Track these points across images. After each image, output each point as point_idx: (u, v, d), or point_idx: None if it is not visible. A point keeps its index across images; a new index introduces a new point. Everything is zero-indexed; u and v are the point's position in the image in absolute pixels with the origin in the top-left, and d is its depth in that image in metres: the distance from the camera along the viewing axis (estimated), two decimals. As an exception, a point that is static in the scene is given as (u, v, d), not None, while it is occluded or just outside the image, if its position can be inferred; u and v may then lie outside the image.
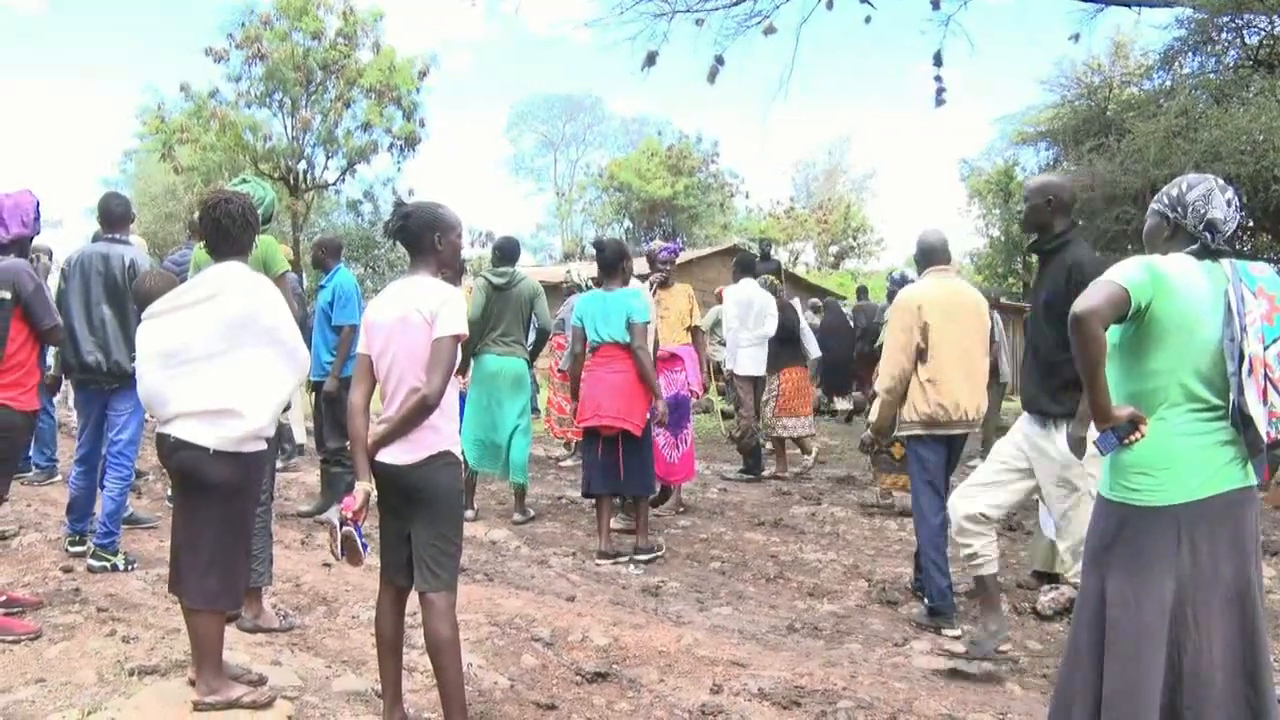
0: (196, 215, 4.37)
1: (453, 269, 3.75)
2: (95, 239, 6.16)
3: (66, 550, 6.04)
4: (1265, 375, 2.88)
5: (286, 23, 25.68)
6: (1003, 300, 16.24)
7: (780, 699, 4.23)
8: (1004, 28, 67.32)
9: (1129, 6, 13.87)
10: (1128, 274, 2.91)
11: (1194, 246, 3.05)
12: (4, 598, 4.89)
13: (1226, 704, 2.87)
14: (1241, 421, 2.90)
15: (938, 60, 13.76)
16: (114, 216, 6.05)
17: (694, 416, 8.34)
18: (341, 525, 3.50)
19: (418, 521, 3.49)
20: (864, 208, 41.59)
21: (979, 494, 4.83)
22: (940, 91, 13.98)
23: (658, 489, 7.53)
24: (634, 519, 7.03)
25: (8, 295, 4.73)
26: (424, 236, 3.61)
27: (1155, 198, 3.21)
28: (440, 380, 3.40)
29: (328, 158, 28.09)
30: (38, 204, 5.01)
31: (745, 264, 10.36)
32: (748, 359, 9.88)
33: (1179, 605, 2.90)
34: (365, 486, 3.49)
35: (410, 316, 3.46)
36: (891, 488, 8.47)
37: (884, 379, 5.53)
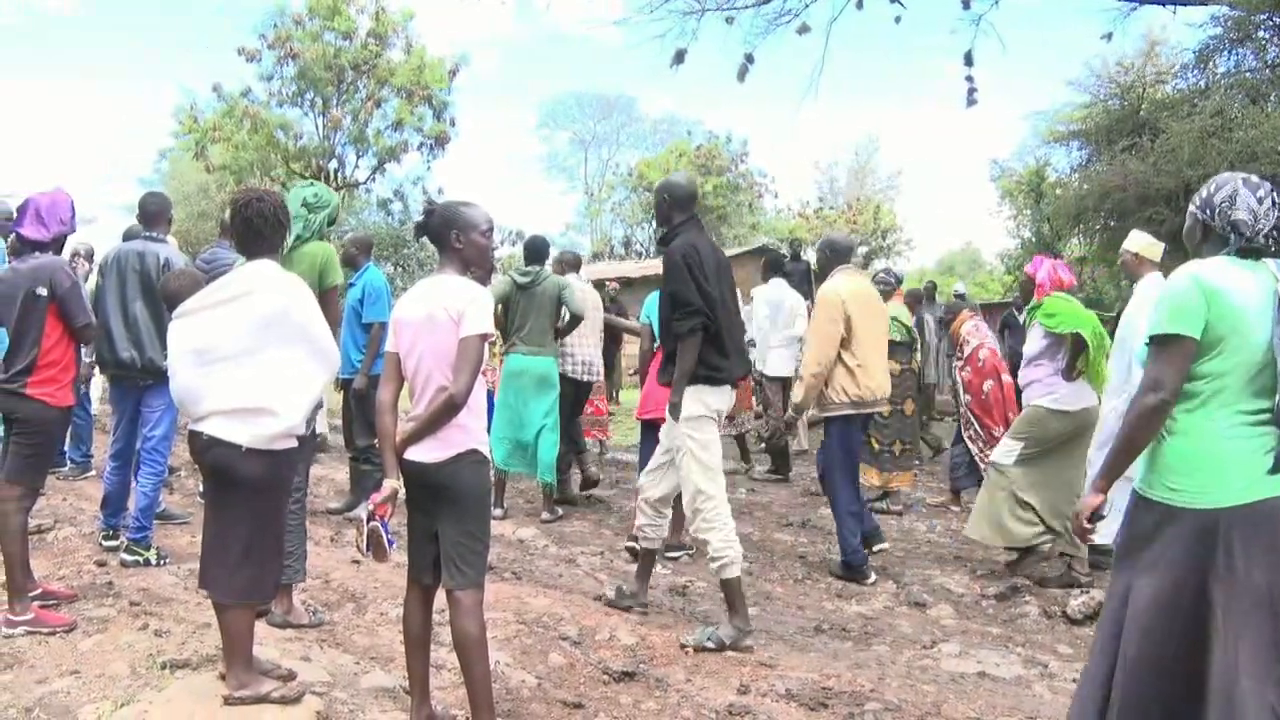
0: (228, 214, 4.40)
1: (481, 268, 3.75)
2: (128, 237, 6.21)
3: (100, 544, 6.11)
4: None
5: (318, 23, 25.84)
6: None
7: (807, 700, 4.22)
8: (1035, 27, 66.88)
9: (1164, 5, 13.72)
10: (1182, 313, 2.90)
11: (1230, 248, 3.00)
12: (40, 591, 4.94)
13: (1253, 712, 2.81)
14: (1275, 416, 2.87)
15: (969, 60, 13.66)
16: (151, 215, 6.12)
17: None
18: (368, 521, 3.52)
19: (445, 519, 3.50)
20: (893, 207, 41.38)
21: (659, 479, 5.36)
22: (971, 91, 13.87)
23: None
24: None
25: (44, 292, 4.79)
26: (445, 235, 3.62)
27: (1193, 199, 3.18)
28: (467, 379, 3.41)
29: (358, 157, 28.27)
30: (72, 203, 5.07)
31: (775, 264, 10.35)
32: (777, 360, 9.87)
33: (1209, 609, 2.86)
34: (393, 484, 3.51)
35: (436, 315, 3.47)
36: (884, 484, 8.50)
37: (812, 365, 6.18)
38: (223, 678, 3.80)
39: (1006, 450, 6.44)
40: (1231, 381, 2.91)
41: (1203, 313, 2.89)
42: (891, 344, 8.43)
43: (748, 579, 6.34)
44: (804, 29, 13.15)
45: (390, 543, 3.55)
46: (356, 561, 6.10)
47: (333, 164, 27.63)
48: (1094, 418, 6.25)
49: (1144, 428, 2.96)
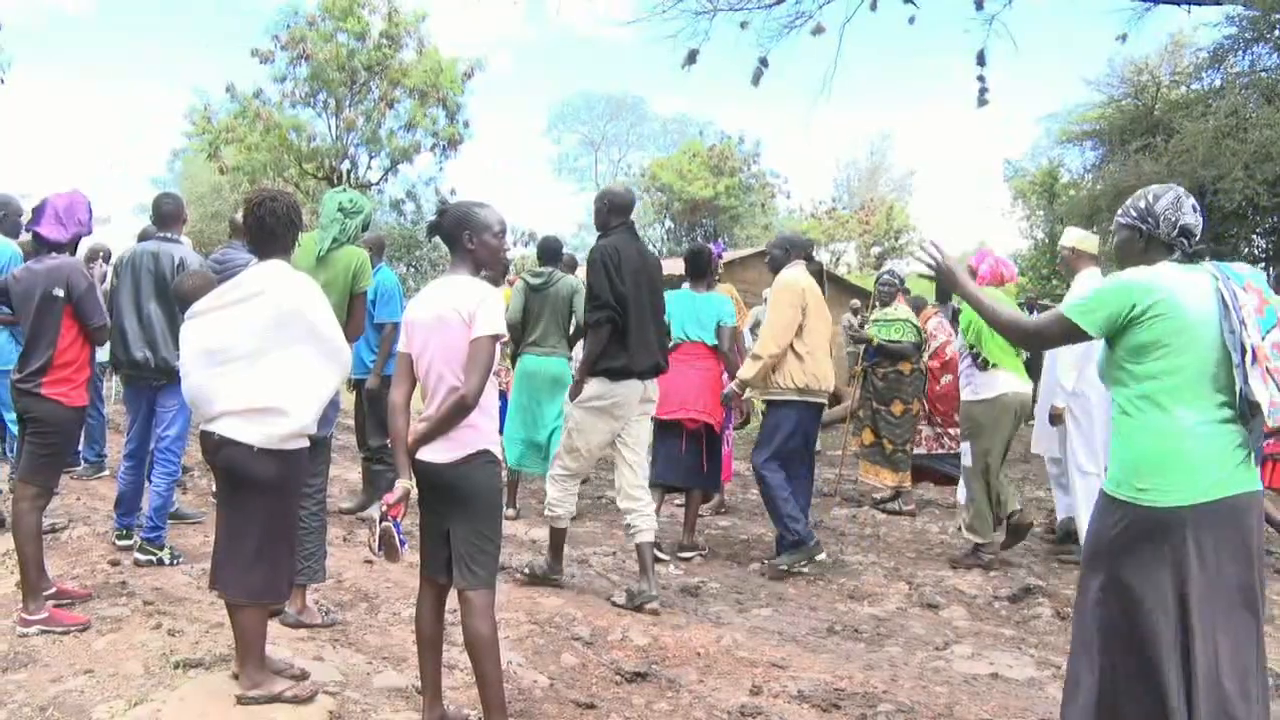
0: (240, 214, 4.41)
1: (493, 269, 3.76)
2: (143, 237, 6.23)
3: (114, 544, 6.13)
4: (1266, 366, 2.92)
5: (331, 23, 25.91)
6: (1043, 302, 16.05)
7: (820, 701, 4.21)
8: (1050, 28, 66.67)
9: (1179, 4, 13.66)
10: (1085, 310, 3.07)
11: (1178, 254, 3.13)
12: (54, 590, 4.96)
13: (1231, 706, 2.86)
14: (1249, 410, 2.92)
15: (981, 60, 13.61)
16: (165, 215, 6.14)
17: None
18: (381, 521, 3.52)
19: (457, 519, 3.50)
20: (906, 208, 41.27)
21: (618, 471, 5.82)
22: (983, 91, 13.83)
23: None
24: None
25: (61, 293, 4.81)
26: (456, 235, 3.62)
27: (1120, 212, 3.28)
28: (478, 380, 3.41)
29: (370, 158, 28.36)
30: (89, 204, 5.09)
31: (786, 265, 10.33)
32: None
33: (1182, 607, 2.90)
34: (405, 484, 3.51)
35: (448, 316, 3.47)
36: (898, 484, 8.51)
37: (769, 346, 6.34)
38: (236, 677, 3.81)
39: (964, 453, 6.83)
40: (1187, 380, 2.96)
41: (1112, 316, 3.01)
42: (900, 344, 8.47)
43: (760, 580, 6.34)
44: (819, 30, 13.12)
45: (402, 543, 3.56)
46: (369, 561, 6.11)
47: (345, 165, 27.72)
48: (1013, 403, 6.63)
49: (1011, 317, 3.35)
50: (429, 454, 3.49)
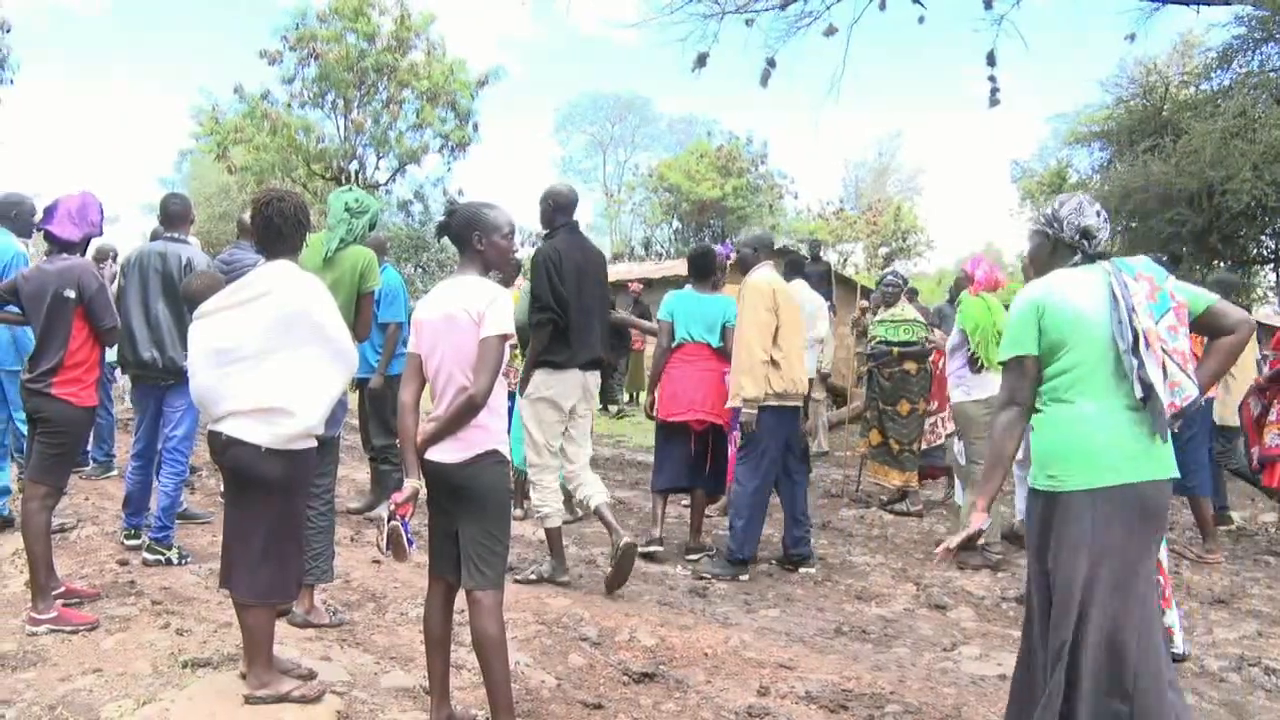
0: (248, 214, 4.42)
1: (503, 270, 3.76)
2: (153, 237, 6.25)
3: (122, 543, 6.15)
4: (1161, 348, 3.16)
5: (340, 24, 25.95)
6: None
7: (827, 702, 4.21)
8: (1058, 29, 66.51)
9: (1187, 4, 13.62)
10: (1015, 336, 3.33)
11: (1080, 256, 3.40)
12: (63, 589, 4.97)
13: (1135, 674, 3.11)
14: (1147, 394, 3.14)
15: (991, 60, 13.57)
16: (173, 216, 6.15)
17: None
18: (389, 521, 3.53)
19: (465, 519, 3.50)
20: (914, 208, 41.15)
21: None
22: (994, 92, 13.79)
23: None
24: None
25: (72, 294, 4.82)
26: (466, 237, 3.63)
27: (1032, 220, 3.62)
28: (487, 380, 3.41)
29: (379, 158, 28.38)
30: (101, 205, 5.12)
31: (796, 265, 10.35)
32: (798, 360, 9.83)
33: (1091, 582, 3.13)
34: (413, 483, 3.51)
35: (457, 316, 3.48)
36: (904, 484, 8.50)
37: (758, 353, 6.18)
38: (244, 676, 3.82)
39: (959, 452, 6.95)
40: (1086, 373, 3.22)
41: (1033, 330, 3.28)
42: (914, 345, 8.45)
43: (768, 580, 6.34)
44: (831, 30, 13.09)
45: (410, 542, 3.56)
46: (377, 561, 6.12)
47: (353, 165, 27.76)
48: None
49: (1008, 438, 3.36)
50: (438, 454, 3.49)
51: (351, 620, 5.04)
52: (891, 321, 8.65)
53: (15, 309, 5.03)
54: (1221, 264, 14.56)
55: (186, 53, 77.17)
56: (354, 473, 9.48)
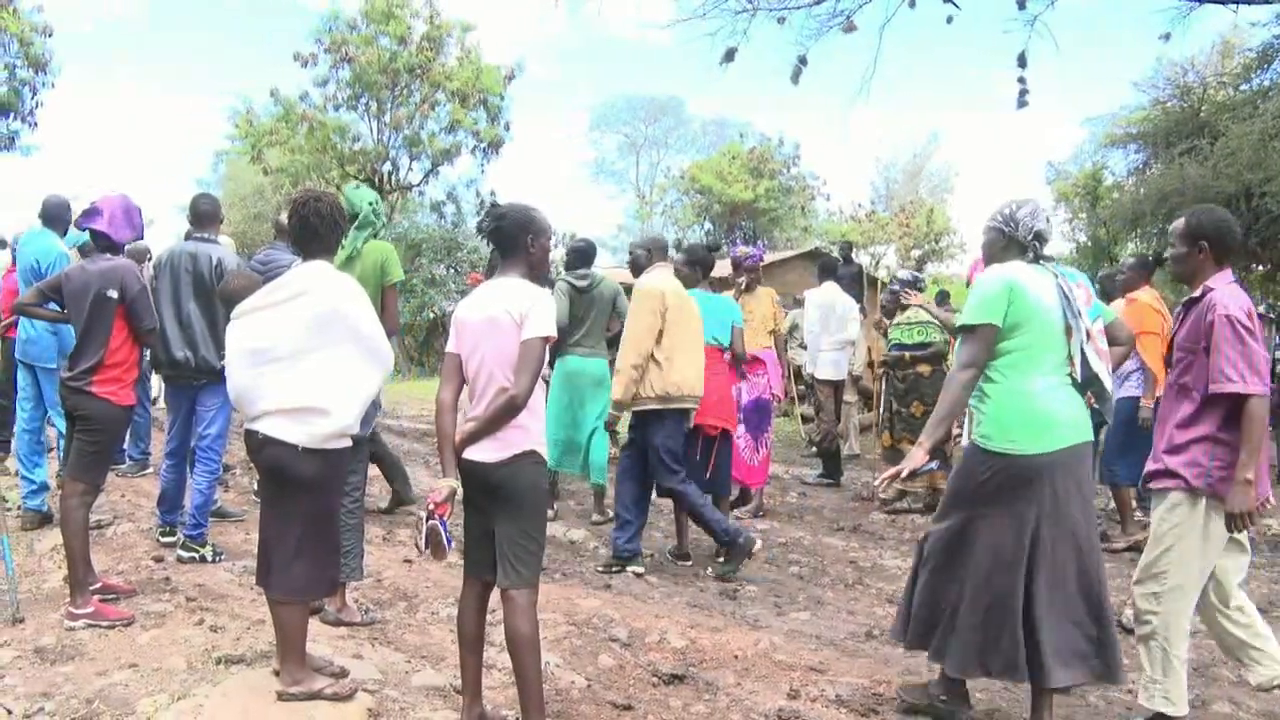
0: (284, 215, 4.45)
1: (541, 271, 3.77)
2: (186, 238, 6.31)
3: (158, 540, 6.21)
4: (1096, 344, 3.82)
5: (372, 27, 26.13)
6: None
7: (858, 706, 4.19)
8: (1093, 30, 65.94)
9: (1225, 4, 13.45)
10: (988, 306, 3.73)
11: (1030, 255, 3.89)
12: (100, 584, 5.03)
13: (1076, 614, 3.71)
14: (1086, 381, 3.80)
15: (1022, 61, 13.43)
16: (203, 216, 6.20)
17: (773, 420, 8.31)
18: (427, 520, 3.54)
19: (502, 518, 3.52)
20: (947, 210, 40.87)
21: None
22: (1023, 93, 13.62)
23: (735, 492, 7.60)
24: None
25: (115, 295, 4.89)
26: (518, 238, 3.64)
27: (990, 215, 4.01)
28: (529, 380, 3.42)
29: (412, 160, 28.53)
30: (139, 208, 5.21)
31: (828, 268, 10.30)
32: (828, 363, 9.81)
33: (1036, 534, 3.69)
34: (451, 483, 3.52)
35: (500, 317, 3.49)
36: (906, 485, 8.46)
37: (632, 357, 6.15)
38: (277, 674, 3.85)
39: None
40: (1039, 353, 3.75)
41: (1004, 304, 3.71)
42: (931, 346, 8.41)
43: (799, 584, 6.32)
44: (850, 28, 13.01)
45: (449, 541, 3.57)
46: (409, 561, 6.15)
47: (387, 167, 27.93)
48: None
49: (962, 396, 3.80)
50: (477, 453, 3.50)
51: (383, 619, 5.06)
52: (906, 324, 8.60)
53: (55, 306, 5.10)
54: (1260, 267, 14.37)
55: (223, 56, 77.80)
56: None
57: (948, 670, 3.97)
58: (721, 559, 6.57)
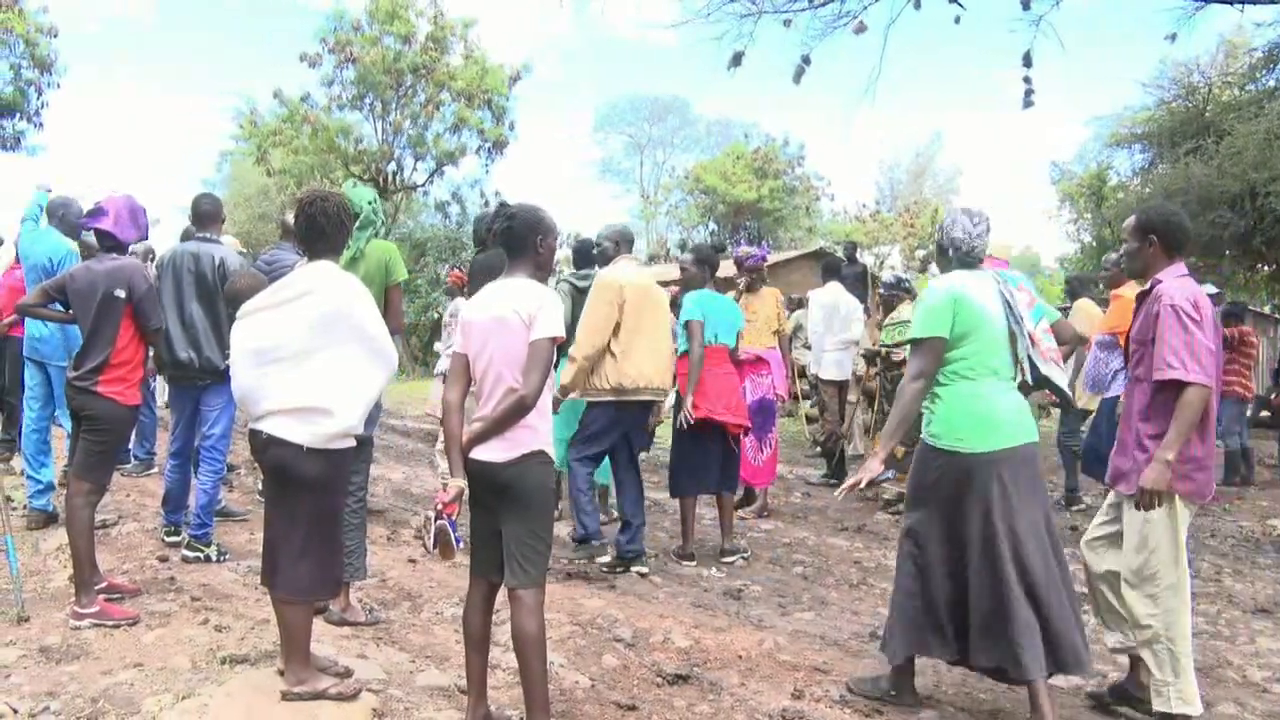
0: (289, 215, 4.45)
1: (546, 271, 3.78)
2: (185, 238, 6.31)
3: (163, 540, 6.22)
4: (1040, 346, 4.08)
5: (377, 28, 26.13)
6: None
7: (862, 706, 4.19)
8: (1098, 29, 65.83)
9: (1231, 4, 13.42)
10: (934, 319, 3.96)
11: (954, 261, 4.14)
12: (105, 584, 5.04)
13: (1050, 603, 3.82)
14: (1038, 381, 4.08)
15: (1027, 61, 13.41)
16: (204, 216, 6.20)
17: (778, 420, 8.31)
18: (435, 519, 3.54)
19: (510, 518, 3.52)
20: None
21: None
22: (1028, 93, 13.62)
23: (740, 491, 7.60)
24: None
25: (122, 294, 4.89)
26: (527, 238, 3.65)
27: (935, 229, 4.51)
28: (538, 381, 3.43)
29: (416, 160, 28.52)
30: (144, 208, 5.22)
31: (832, 268, 10.30)
32: (832, 363, 9.81)
33: (988, 527, 3.86)
34: (459, 483, 3.52)
35: (508, 318, 3.49)
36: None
37: (584, 348, 6.20)
38: (281, 673, 3.85)
39: None
40: (985, 357, 3.97)
41: (949, 316, 3.94)
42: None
43: (803, 584, 6.32)
44: (861, 28, 13.00)
45: (458, 541, 3.57)
46: (413, 561, 6.16)
47: (391, 167, 27.94)
48: None
49: (913, 406, 4.03)
50: (484, 453, 3.51)
51: (387, 619, 5.07)
52: (893, 325, 8.59)
53: (59, 307, 5.11)
54: (1265, 267, 14.35)
55: (224, 56, 78.00)
56: (389, 472, 9.55)
57: (889, 657, 4.22)
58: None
